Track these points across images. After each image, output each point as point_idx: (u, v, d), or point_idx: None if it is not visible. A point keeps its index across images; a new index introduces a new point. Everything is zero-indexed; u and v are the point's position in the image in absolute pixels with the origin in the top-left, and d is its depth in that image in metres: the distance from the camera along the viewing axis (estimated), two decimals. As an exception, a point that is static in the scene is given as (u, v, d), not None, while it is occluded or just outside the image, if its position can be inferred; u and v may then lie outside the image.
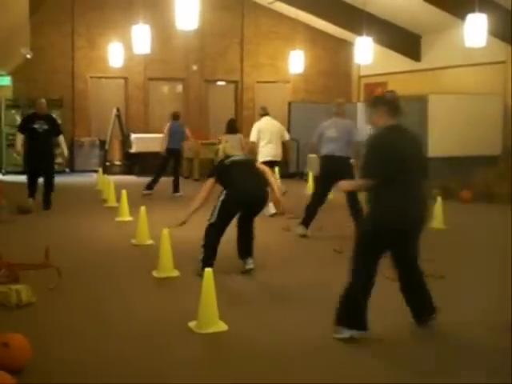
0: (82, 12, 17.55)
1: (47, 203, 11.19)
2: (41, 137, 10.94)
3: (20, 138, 11.19)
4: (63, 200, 12.22)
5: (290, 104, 17.71)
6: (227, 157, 7.26)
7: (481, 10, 11.25)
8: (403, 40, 17.39)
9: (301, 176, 16.35)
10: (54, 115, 12.68)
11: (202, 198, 7.07)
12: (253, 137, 11.13)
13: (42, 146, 10.93)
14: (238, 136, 13.16)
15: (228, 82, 19.58)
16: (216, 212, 6.85)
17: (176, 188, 13.33)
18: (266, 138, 11.06)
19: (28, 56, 14.90)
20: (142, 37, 13.43)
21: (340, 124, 9.23)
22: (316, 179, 9.72)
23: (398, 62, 17.70)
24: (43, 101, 11.32)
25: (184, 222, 7.08)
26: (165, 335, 5.05)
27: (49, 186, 11.21)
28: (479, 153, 13.88)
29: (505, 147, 14.50)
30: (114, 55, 16.80)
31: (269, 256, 7.92)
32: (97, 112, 18.25)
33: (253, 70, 19.32)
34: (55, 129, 11.32)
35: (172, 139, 13.32)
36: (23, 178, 15.76)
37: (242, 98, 19.43)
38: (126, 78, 18.33)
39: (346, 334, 4.89)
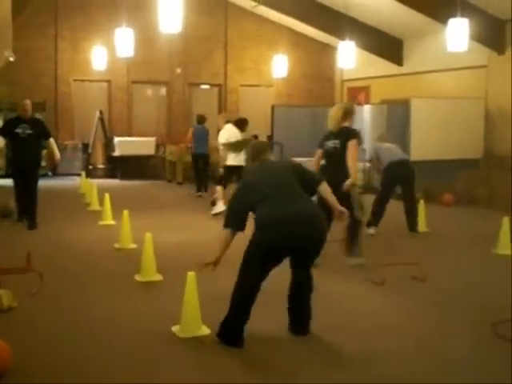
0: (65, 15, 17.49)
1: (31, 219, 9.74)
2: (24, 142, 9.66)
3: (1, 140, 10.02)
4: (46, 204, 12.16)
5: (273, 107, 17.73)
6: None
7: (463, 15, 11.33)
8: (386, 44, 17.48)
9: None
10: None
11: None
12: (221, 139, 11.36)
13: (24, 152, 9.66)
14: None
15: (212, 85, 19.59)
16: None
17: (199, 188, 13.74)
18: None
19: (11, 59, 14.81)
20: (125, 40, 13.40)
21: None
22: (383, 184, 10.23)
23: (380, 66, 17.80)
24: (27, 102, 9.97)
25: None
26: (148, 339, 5.04)
27: (30, 198, 9.78)
28: (461, 156, 13.98)
29: (486, 151, 14.61)
30: (98, 58, 16.76)
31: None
32: (80, 115, 18.19)
33: (236, 73, 19.35)
34: (43, 133, 10.04)
35: (197, 144, 13.48)
36: (5, 182, 15.76)
37: (225, 101, 19.44)
38: (109, 81, 18.28)
39: None
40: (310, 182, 5.21)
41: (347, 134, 7.46)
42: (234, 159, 11.08)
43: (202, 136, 13.84)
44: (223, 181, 11.26)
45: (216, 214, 10.90)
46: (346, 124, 7.58)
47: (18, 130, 9.70)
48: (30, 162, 9.80)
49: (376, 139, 10.81)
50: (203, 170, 13.97)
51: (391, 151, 10.10)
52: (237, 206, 5.08)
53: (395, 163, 9.83)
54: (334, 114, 7.63)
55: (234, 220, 5.06)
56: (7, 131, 9.90)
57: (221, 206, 10.89)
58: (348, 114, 7.61)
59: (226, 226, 5.10)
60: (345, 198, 6.68)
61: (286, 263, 5.19)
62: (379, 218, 9.73)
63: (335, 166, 7.44)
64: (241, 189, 5.19)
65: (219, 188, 11.19)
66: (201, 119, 14.09)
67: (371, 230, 9.52)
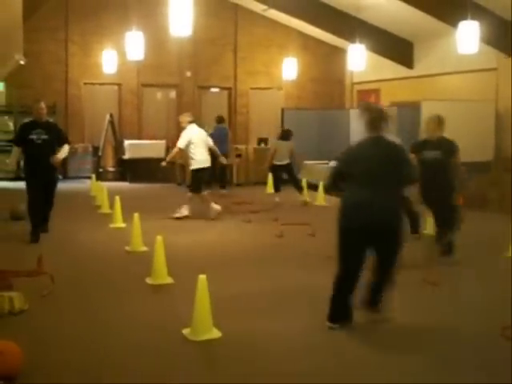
0: (76, 19, 17.55)
1: (44, 222, 9.47)
2: (39, 149, 9.02)
3: (15, 153, 9.42)
4: (57, 206, 12.20)
5: (283, 110, 17.74)
6: None
7: (473, 18, 11.31)
8: (396, 47, 17.45)
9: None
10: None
11: None
12: (182, 144, 11.14)
13: (40, 159, 9.00)
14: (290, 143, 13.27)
15: (221, 88, 19.60)
16: None
17: (224, 187, 14.52)
18: (199, 145, 11.19)
19: (21, 62, 14.87)
20: (135, 43, 13.46)
21: None
22: None
23: (390, 69, 17.76)
24: (42, 105, 9.23)
25: None
26: (159, 342, 5.05)
27: (48, 201, 9.42)
28: (471, 159, 13.90)
29: (497, 153, 14.55)
30: (108, 61, 16.81)
31: (262, 262, 7.93)
32: (90, 118, 18.23)
33: (246, 76, 19.35)
34: (60, 139, 9.34)
35: (217, 143, 13.20)
36: (16, 185, 15.83)
37: (235, 104, 19.45)
38: (119, 85, 18.32)
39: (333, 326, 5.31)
40: (405, 176, 5.37)
41: (450, 147, 7.84)
42: (198, 162, 11.04)
43: (222, 135, 14.21)
44: (194, 186, 11.12)
45: (178, 218, 10.93)
46: (440, 133, 7.88)
47: (33, 136, 9.03)
48: (46, 170, 9.12)
49: None
50: (222, 169, 14.32)
51: None
52: (334, 175, 5.49)
53: None
54: (430, 122, 7.90)
55: (333, 186, 5.56)
56: (22, 138, 9.20)
57: (184, 211, 10.97)
58: (443, 122, 7.96)
59: (327, 190, 5.84)
60: (451, 210, 6.82)
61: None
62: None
63: (439, 179, 7.63)
64: (341, 159, 5.49)
65: (190, 195, 11.11)
66: (220, 119, 14.59)
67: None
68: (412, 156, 7.18)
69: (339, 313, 5.39)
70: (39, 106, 9.22)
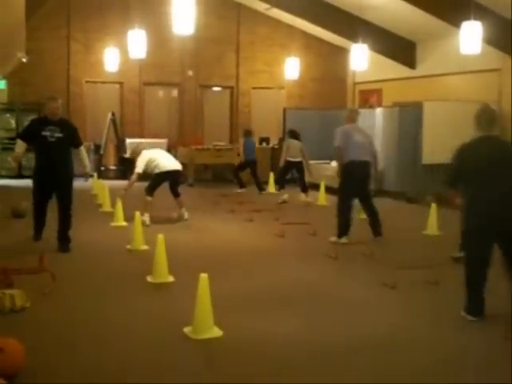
0: (78, 16, 17.55)
1: (64, 241, 8.33)
2: (53, 148, 8.14)
3: (21, 145, 8.44)
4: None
5: (285, 110, 17.74)
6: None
7: (476, 18, 11.29)
8: (398, 47, 17.43)
9: (295, 182, 16.37)
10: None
11: None
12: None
13: (54, 159, 8.17)
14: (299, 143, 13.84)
15: (223, 87, 19.60)
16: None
17: (258, 185, 15.47)
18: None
19: (23, 60, 14.88)
20: (137, 42, 13.45)
21: (361, 130, 9.67)
22: (343, 184, 9.29)
23: (393, 69, 17.75)
24: (58, 103, 8.40)
25: None
26: (160, 341, 5.05)
27: (64, 215, 8.32)
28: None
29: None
30: (110, 60, 16.81)
31: (263, 261, 7.94)
32: (92, 116, 18.23)
33: (248, 75, 19.35)
34: (74, 138, 8.48)
35: (248, 152, 15.44)
36: (18, 182, 15.85)
37: (237, 103, 19.45)
38: (121, 83, 18.32)
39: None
40: None
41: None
42: (164, 166, 10.72)
43: (251, 146, 15.56)
44: (150, 189, 10.73)
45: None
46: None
47: (46, 133, 8.12)
48: (60, 171, 8.23)
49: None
50: (253, 173, 15.47)
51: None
52: (453, 173, 6.01)
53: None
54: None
55: (453, 184, 6.03)
56: (32, 134, 8.30)
57: (146, 219, 10.26)
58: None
59: (448, 187, 6.13)
60: None
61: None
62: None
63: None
64: (458, 157, 5.97)
65: (149, 198, 10.57)
66: (248, 133, 15.79)
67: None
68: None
69: (479, 305, 5.65)
70: (55, 104, 8.32)
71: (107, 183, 13.49)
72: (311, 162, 14.20)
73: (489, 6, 13.18)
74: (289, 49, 18.41)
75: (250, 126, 18.38)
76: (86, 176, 8.96)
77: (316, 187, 13.87)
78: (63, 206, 8.34)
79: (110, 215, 10.69)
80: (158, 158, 10.84)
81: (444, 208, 11.56)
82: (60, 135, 8.17)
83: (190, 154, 16.77)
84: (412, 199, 13.60)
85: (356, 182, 9.16)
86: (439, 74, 16.33)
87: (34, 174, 8.44)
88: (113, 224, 10.27)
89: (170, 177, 10.82)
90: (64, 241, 8.29)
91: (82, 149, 8.68)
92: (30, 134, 8.35)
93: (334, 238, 9.06)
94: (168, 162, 10.86)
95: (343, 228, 9.08)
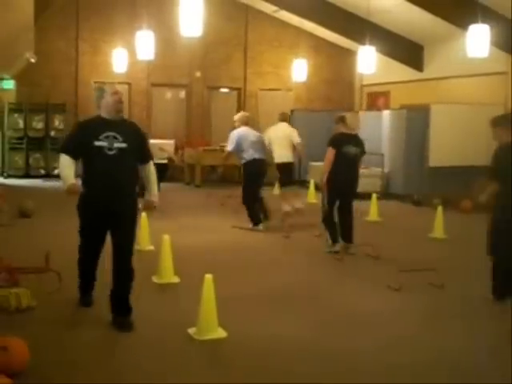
0: (86, 17, 17.60)
1: (122, 311, 5.51)
2: (111, 165, 5.39)
3: (68, 165, 5.54)
4: (64, 204, 12.21)
5: (292, 112, 17.73)
6: None
7: (483, 21, 11.27)
8: (406, 50, 17.42)
9: (302, 183, 16.37)
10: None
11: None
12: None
13: (113, 182, 5.43)
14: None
15: (231, 89, 19.62)
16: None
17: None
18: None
19: (32, 60, 14.94)
20: (145, 43, 13.49)
21: (253, 131, 10.72)
22: (246, 181, 10.34)
23: (400, 71, 17.73)
24: (119, 92, 5.63)
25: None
26: (164, 341, 5.06)
27: (123, 269, 5.64)
28: (481, 163, 13.86)
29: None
30: (118, 61, 16.85)
31: (268, 262, 7.94)
32: (99, 117, 18.25)
33: (256, 77, 19.36)
34: (142, 149, 5.71)
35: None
36: (24, 182, 15.90)
37: (244, 105, 19.46)
38: (129, 84, 18.36)
39: None
40: None
41: None
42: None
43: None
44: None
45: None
46: None
47: (102, 143, 5.35)
48: (122, 201, 5.51)
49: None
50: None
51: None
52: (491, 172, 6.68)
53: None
54: None
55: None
56: (82, 146, 5.45)
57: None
58: None
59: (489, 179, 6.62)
60: None
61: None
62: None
63: None
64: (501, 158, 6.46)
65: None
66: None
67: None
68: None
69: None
70: (116, 96, 5.53)
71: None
72: (318, 163, 14.14)
73: (496, 9, 13.16)
74: (296, 51, 18.41)
75: (257, 127, 18.37)
76: (151, 207, 5.92)
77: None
78: (122, 253, 5.63)
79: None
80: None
81: (451, 211, 11.58)
82: (123, 145, 5.41)
83: (197, 155, 16.79)
84: (419, 202, 13.58)
85: (257, 177, 10.12)
86: (447, 77, 16.31)
87: (80, 203, 5.78)
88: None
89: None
90: (122, 310, 5.51)
91: (151, 167, 5.81)
92: (79, 146, 5.47)
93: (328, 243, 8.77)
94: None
95: (255, 216, 10.08)
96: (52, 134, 17.15)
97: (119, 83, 18.18)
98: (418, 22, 15.49)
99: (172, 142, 17.71)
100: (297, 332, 5.32)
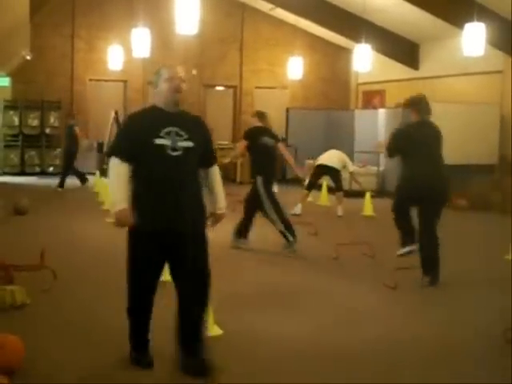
0: (82, 14, 17.58)
1: (196, 354, 4.32)
2: (175, 169, 4.20)
3: (122, 173, 4.19)
4: (60, 201, 12.25)
5: (288, 110, 17.74)
6: None
7: (479, 20, 11.29)
8: (402, 48, 17.44)
9: (298, 182, 16.37)
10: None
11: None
12: None
13: (177, 193, 4.21)
14: None
15: (227, 87, 19.61)
16: None
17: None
18: None
19: (27, 57, 14.92)
20: (141, 40, 13.47)
21: None
22: None
23: (396, 70, 17.75)
24: (176, 80, 4.27)
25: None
26: (160, 339, 5.05)
27: (195, 302, 4.42)
28: (476, 161, 13.92)
29: (501, 156, 14.54)
30: (114, 58, 16.83)
31: (264, 260, 7.95)
32: (95, 115, 18.26)
33: (252, 75, 19.36)
34: (207, 149, 4.47)
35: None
36: (20, 179, 15.88)
37: (240, 103, 19.46)
38: (125, 81, 18.35)
39: None
40: None
41: None
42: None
43: None
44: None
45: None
46: None
47: (163, 141, 4.15)
48: (189, 215, 4.29)
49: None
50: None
51: None
52: None
53: None
54: None
55: None
56: (139, 147, 4.17)
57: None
58: None
59: None
60: None
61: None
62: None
63: None
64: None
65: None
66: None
67: None
68: None
69: None
70: (176, 79, 4.28)
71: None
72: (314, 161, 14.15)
73: (492, 7, 13.18)
74: (292, 49, 18.42)
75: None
76: (220, 219, 4.73)
77: (318, 187, 13.84)
78: (194, 283, 4.39)
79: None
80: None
81: (445, 209, 11.57)
82: (189, 144, 4.23)
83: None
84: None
85: None
86: (442, 76, 16.34)
87: (135, 219, 4.22)
88: (108, 220, 10.30)
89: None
90: (196, 353, 4.33)
91: (218, 170, 4.62)
92: (136, 145, 4.18)
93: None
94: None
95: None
96: (47, 131, 17.14)
97: (115, 80, 18.21)
98: (413, 20, 15.51)
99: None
100: (293, 330, 5.32)
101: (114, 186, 4.24)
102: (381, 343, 5.08)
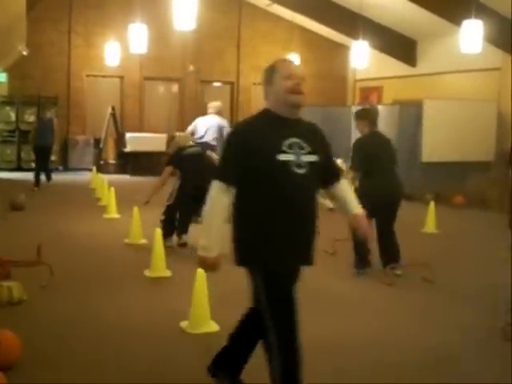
0: (79, 10, 17.52)
1: None
2: (299, 191, 3.41)
3: (222, 207, 3.39)
4: (56, 198, 12.23)
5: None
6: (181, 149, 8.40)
7: (477, 17, 11.28)
8: (399, 45, 17.43)
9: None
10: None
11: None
12: None
13: (301, 221, 3.48)
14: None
15: (224, 83, 19.59)
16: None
17: None
18: None
19: (24, 53, 14.87)
20: (138, 36, 13.42)
21: None
22: None
23: (393, 66, 17.74)
24: (295, 79, 3.53)
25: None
26: (156, 335, 5.05)
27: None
28: (473, 158, 13.93)
29: (498, 153, 14.55)
30: (111, 54, 16.79)
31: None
32: (92, 110, 18.22)
33: (249, 71, 19.33)
34: (329, 163, 3.73)
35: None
36: (16, 175, 15.84)
37: (237, 99, 19.44)
38: (121, 77, 18.31)
39: None
40: None
41: None
42: None
43: None
44: None
45: None
46: None
47: (287, 157, 3.36)
48: (311, 248, 3.73)
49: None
50: None
51: None
52: None
53: None
54: None
55: None
56: (257, 165, 3.35)
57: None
58: None
59: None
60: None
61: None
62: None
63: None
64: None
65: None
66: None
67: None
68: None
69: None
70: (290, 78, 3.56)
71: (106, 177, 13.48)
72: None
73: (490, 4, 13.17)
74: (289, 45, 18.40)
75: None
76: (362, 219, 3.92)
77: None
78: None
79: (109, 209, 10.69)
80: None
81: (443, 206, 11.60)
82: (313, 159, 3.48)
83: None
84: (411, 197, 13.58)
85: None
86: (440, 73, 16.33)
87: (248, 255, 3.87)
88: (105, 216, 10.29)
89: None
90: None
91: (346, 181, 4.02)
92: (250, 165, 3.37)
93: None
94: None
95: None
96: (44, 127, 17.08)
97: (112, 76, 18.18)
98: (411, 16, 15.50)
99: (164, 135, 17.73)
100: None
101: (211, 223, 3.43)
102: (374, 339, 5.08)
